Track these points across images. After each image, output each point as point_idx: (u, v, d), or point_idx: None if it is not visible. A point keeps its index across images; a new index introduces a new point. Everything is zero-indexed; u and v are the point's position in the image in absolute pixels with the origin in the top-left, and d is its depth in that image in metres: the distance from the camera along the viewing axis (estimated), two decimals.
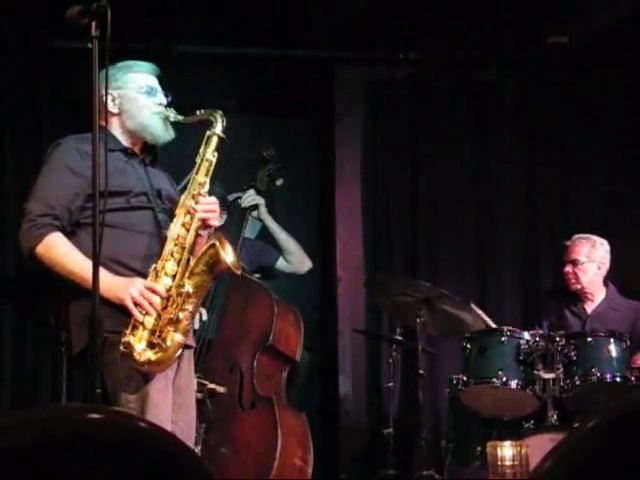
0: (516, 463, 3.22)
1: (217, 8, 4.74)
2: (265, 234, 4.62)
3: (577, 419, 4.02)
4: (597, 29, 5.08)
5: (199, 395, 3.90)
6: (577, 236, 4.64)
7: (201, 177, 2.92)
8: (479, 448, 4.08)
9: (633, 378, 4.01)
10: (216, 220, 2.97)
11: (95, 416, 1.06)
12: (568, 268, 4.59)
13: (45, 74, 5.12)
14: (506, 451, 3.25)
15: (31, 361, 5.01)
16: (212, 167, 2.95)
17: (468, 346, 4.25)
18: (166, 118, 2.99)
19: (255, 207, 4.34)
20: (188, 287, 2.80)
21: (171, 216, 2.92)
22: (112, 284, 2.75)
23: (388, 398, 4.66)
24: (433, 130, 5.57)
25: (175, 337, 2.76)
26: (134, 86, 3.00)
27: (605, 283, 4.65)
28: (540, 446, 3.28)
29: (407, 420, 4.93)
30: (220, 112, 2.99)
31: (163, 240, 2.87)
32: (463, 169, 5.58)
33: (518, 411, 4.22)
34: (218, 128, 2.96)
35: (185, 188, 2.97)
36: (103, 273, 2.72)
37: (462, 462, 4.42)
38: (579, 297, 4.63)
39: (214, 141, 2.96)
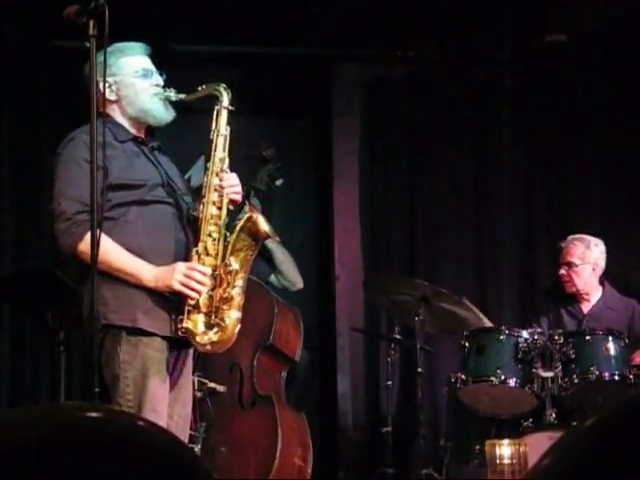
0: (515, 461, 3.22)
1: (214, 7, 4.74)
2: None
3: (576, 417, 4.03)
4: (596, 27, 5.08)
5: (199, 394, 3.90)
6: (571, 237, 4.62)
7: (220, 153, 2.92)
8: (478, 446, 4.08)
9: (632, 376, 4.02)
10: (240, 195, 2.96)
11: (94, 415, 1.06)
12: (563, 270, 4.58)
13: (43, 73, 5.12)
14: (505, 449, 3.25)
15: (29, 360, 5.01)
16: (228, 141, 2.94)
17: (466, 344, 4.26)
18: (166, 98, 2.96)
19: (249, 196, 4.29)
20: (234, 264, 2.83)
21: (177, 205, 2.91)
22: (156, 274, 2.77)
23: (387, 397, 4.66)
24: (431, 128, 5.56)
25: (232, 314, 2.82)
26: (129, 71, 2.97)
27: (601, 282, 4.64)
28: (539, 444, 3.29)
29: (406, 419, 4.93)
30: (223, 84, 2.97)
31: (184, 230, 2.89)
32: (462, 167, 5.58)
33: (517, 409, 4.22)
34: (225, 101, 2.93)
35: (189, 180, 2.98)
36: (144, 265, 2.77)
37: (461, 461, 4.42)
38: (575, 297, 4.63)
39: (224, 115, 2.94)
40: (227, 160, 2.94)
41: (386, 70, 5.57)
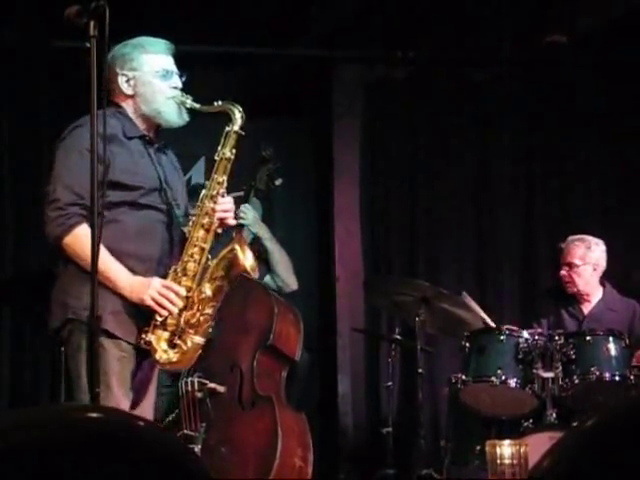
0: (515, 462, 3.22)
1: (214, 7, 4.74)
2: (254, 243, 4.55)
3: (576, 418, 4.03)
4: (596, 28, 5.08)
5: (199, 394, 3.90)
6: (571, 238, 4.62)
7: (220, 176, 2.93)
8: (478, 447, 4.08)
9: (632, 377, 4.01)
10: (232, 220, 2.98)
11: (94, 415, 1.06)
12: (564, 271, 4.58)
13: (43, 73, 5.12)
14: (505, 450, 3.24)
15: (30, 361, 5.01)
16: (230, 165, 2.94)
17: (467, 345, 4.25)
18: (182, 103, 2.96)
19: (242, 226, 4.26)
20: (208, 291, 2.85)
21: (169, 213, 2.93)
22: (132, 284, 2.79)
23: (387, 397, 4.66)
24: (431, 129, 5.57)
25: (195, 339, 2.84)
26: (150, 69, 2.96)
27: (602, 283, 4.64)
28: (539, 445, 3.28)
29: (406, 419, 4.93)
30: (239, 107, 2.96)
31: (170, 241, 2.91)
32: (462, 168, 5.58)
33: (517, 410, 4.22)
34: (237, 124, 2.94)
35: (189, 182, 2.98)
36: (122, 272, 2.77)
37: (461, 461, 4.42)
38: (576, 298, 4.63)
39: (233, 138, 2.95)
40: (225, 184, 2.95)
41: (386, 71, 5.58)
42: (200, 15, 4.80)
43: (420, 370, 4.36)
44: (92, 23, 2.50)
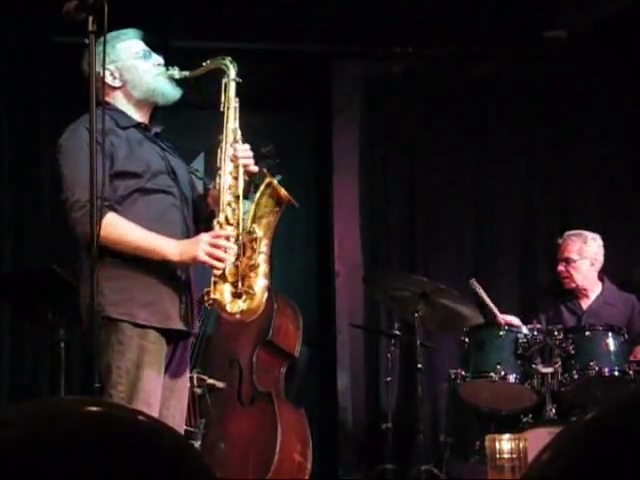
0: (514, 456, 3.23)
1: (213, 2, 4.74)
2: None
3: (575, 413, 4.04)
4: (595, 23, 5.08)
5: (199, 390, 3.90)
6: (568, 233, 4.62)
7: (232, 124, 2.93)
8: (478, 442, 4.08)
9: (631, 372, 4.02)
10: (254, 166, 2.96)
11: (94, 409, 1.06)
12: (561, 267, 4.58)
13: (43, 69, 5.11)
14: (505, 445, 3.25)
15: (30, 357, 5.01)
16: (238, 112, 2.94)
17: (466, 340, 4.26)
18: (170, 77, 2.96)
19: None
20: (258, 231, 2.83)
21: (181, 194, 2.92)
22: (181, 248, 2.76)
23: (387, 393, 4.66)
24: (431, 124, 5.56)
25: (259, 282, 2.80)
26: (129, 54, 2.96)
27: (601, 278, 4.64)
28: (538, 440, 3.28)
29: (406, 415, 4.93)
30: (228, 57, 2.97)
31: (185, 222, 2.89)
32: (461, 163, 5.58)
33: (516, 405, 4.22)
34: (232, 73, 2.94)
35: (193, 173, 2.98)
36: (166, 240, 2.76)
37: (461, 456, 4.42)
38: (575, 293, 4.63)
39: (232, 87, 2.95)
40: (239, 131, 2.94)
41: (386, 66, 5.57)
42: (199, 11, 4.80)
43: (419, 365, 4.36)
44: (91, 18, 2.50)
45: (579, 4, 4.99)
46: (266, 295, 2.80)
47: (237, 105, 2.94)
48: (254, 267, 2.79)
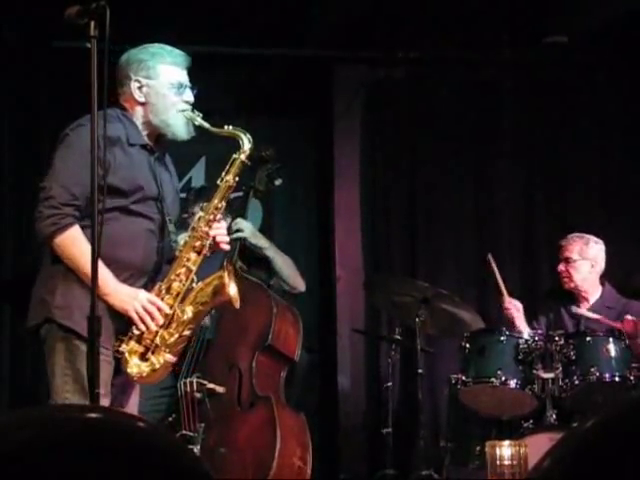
0: (515, 462, 3.22)
1: (215, 7, 4.74)
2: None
3: (576, 419, 4.03)
4: (596, 28, 5.08)
5: (198, 395, 3.90)
6: (571, 235, 4.64)
7: (219, 202, 2.94)
8: (478, 448, 4.08)
9: (632, 377, 4.01)
10: (226, 245, 3.00)
11: (93, 415, 1.06)
12: (561, 266, 4.59)
13: (43, 73, 5.12)
14: (505, 450, 3.25)
15: (29, 361, 5.00)
16: (230, 192, 2.97)
17: (467, 346, 4.25)
18: (191, 119, 2.95)
19: (242, 239, 4.23)
20: (190, 313, 2.87)
21: (162, 225, 2.94)
22: (118, 292, 2.78)
23: (387, 398, 4.65)
24: (432, 129, 5.56)
25: (167, 357, 2.86)
26: (165, 80, 2.95)
27: (602, 282, 4.64)
28: (539, 446, 3.29)
29: (406, 420, 4.92)
30: (248, 135, 2.98)
31: (158, 252, 2.91)
32: (462, 168, 5.58)
33: (517, 411, 4.22)
34: (245, 153, 2.96)
35: (189, 183, 2.99)
36: (110, 278, 2.77)
37: (461, 462, 4.42)
38: (575, 297, 4.63)
39: (238, 166, 2.96)
40: (222, 210, 2.97)
41: (387, 71, 5.58)
42: (201, 15, 4.80)
43: (420, 370, 4.35)
44: (93, 23, 2.50)
45: (580, 9, 4.99)
46: (168, 370, 2.92)
47: (234, 185, 2.97)
48: (169, 344, 2.85)
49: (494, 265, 4.52)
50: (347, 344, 5.38)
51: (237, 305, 2.95)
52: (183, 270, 2.88)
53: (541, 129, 5.59)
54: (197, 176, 5.38)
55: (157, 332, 2.83)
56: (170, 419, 3.90)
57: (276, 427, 3.84)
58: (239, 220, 4.20)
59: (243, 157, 2.96)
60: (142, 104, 2.95)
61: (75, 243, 2.72)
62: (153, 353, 2.83)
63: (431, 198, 5.54)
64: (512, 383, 4.10)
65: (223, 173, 2.96)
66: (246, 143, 2.97)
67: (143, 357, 2.83)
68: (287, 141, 5.33)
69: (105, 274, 2.75)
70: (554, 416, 4.03)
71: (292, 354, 4.13)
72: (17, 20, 4.79)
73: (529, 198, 5.59)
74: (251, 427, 3.91)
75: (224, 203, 2.96)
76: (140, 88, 2.94)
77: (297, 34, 5.16)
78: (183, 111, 2.95)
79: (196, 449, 3.77)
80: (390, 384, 4.62)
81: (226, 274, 2.89)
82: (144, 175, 2.91)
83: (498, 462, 3.25)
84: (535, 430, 3.96)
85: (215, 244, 2.94)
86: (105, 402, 2.77)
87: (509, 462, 3.24)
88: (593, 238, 4.60)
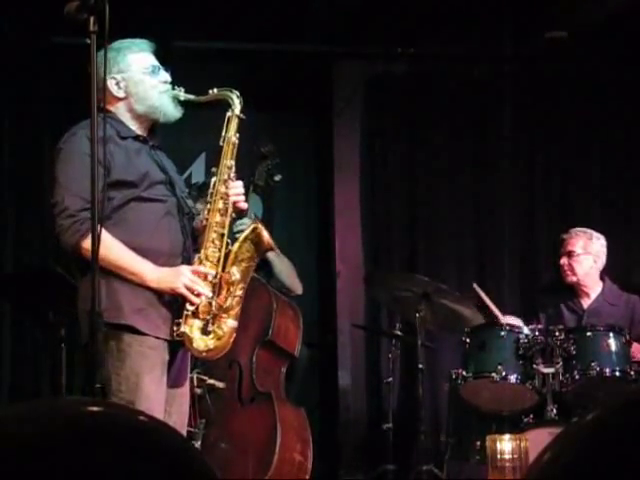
0: (515, 457, 3.23)
1: (215, 3, 4.73)
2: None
3: (576, 413, 4.03)
4: (596, 24, 5.07)
5: (199, 391, 3.90)
6: (574, 229, 4.65)
7: (228, 161, 2.93)
8: (479, 443, 4.08)
9: (632, 372, 4.02)
10: (245, 203, 2.98)
11: (95, 409, 1.06)
12: (564, 260, 4.59)
13: (44, 70, 5.11)
14: (505, 445, 3.25)
15: (30, 357, 5.01)
16: (236, 148, 2.95)
17: (467, 341, 4.26)
18: (175, 97, 2.96)
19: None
20: (236, 274, 2.85)
21: (179, 204, 2.93)
22: (161, 275, 2.78)
23: (388, 393, 4.66)
24: (432, 125, 5.56)
25: (229, 323, 2.83)
26: (138, 67, 2.95)
27: (602, 278, 4.65)
28: (539, 440, 3.29)
29: (406, 415, 4.93)
30: (236, 91, 2.98)
31: (183, 232, 2.90)
32: (462, 164, 5.58)
33: (517, 405, 4.22)
34: (237, 109, 2.95)
35: (189, 178, 2.98)
36: (147, 265, 2.77)
37: (462, 457, 4.42)
38: (575, 292, 4.63)
39: (235, 122, 2.95)
40: (234, 167, 2.95)
41: (387, 67, 5.57)
42: (201, 11, 4.79)
43: (420, 366, 4.36)
44: (92, 19, 2.50)
45: (581, 4, 4.98)
46: (233, 336, 2.85)
47: (236, 141, 2.95)
48: (227, 309, 2.84)
49: (481, 293, 4.50)
50: (347, 339, 5.39)
51: (277, 250, 2.93)
52: (215, 235, 2.87)
53: (541, 125, 5.59)
54: (197, 172, 5.38)
55: (211, 302, 2.81)
56: None
57: (276, 422, 3.85)
58: (245, 220, 4.21)
59: (237, 112, 2.95)
60: (124, 99, 2.96)
61: (103, 244, 2.71)
62: (213, 324, 2.81)
63: (431, 193, 5.54)
64: (512, 378, 4.10)
65: (223, 132, 2.95)
66: (235, 99, 2.96)
67: (205, 331, 2.80)
68: (287, 137, 5.32)
69: (143, 263, 2.77)
70: (554, 411, 4.03)
71: (292, 349, 4.14)
72: (17, 16, 4.78)
73: (529, 193, 5.58)
74: (252, 422, 3.91)
75: (233, 161, 2.94)
76: (117, 84, 2.94)
77: (297, 30, 5.15)
78: (166, 91, 2.96)
79: (197, 444, 3.77)
80: (390, 379, 4.63)
81: (258, 224, 2.91)
82: (145, 162, 2.92)
83: (499, 456, 3.26)
84: (535, 425, 3.96)
85: (233, 204, 2.92)
86: (159, 398, 2.77)
87: (509, 457, 3.25)
88: (595, 234, 4.61)
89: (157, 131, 3.10)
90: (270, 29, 5.05)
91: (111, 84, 2.93)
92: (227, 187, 2.91)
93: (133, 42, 3.00)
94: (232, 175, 2.93)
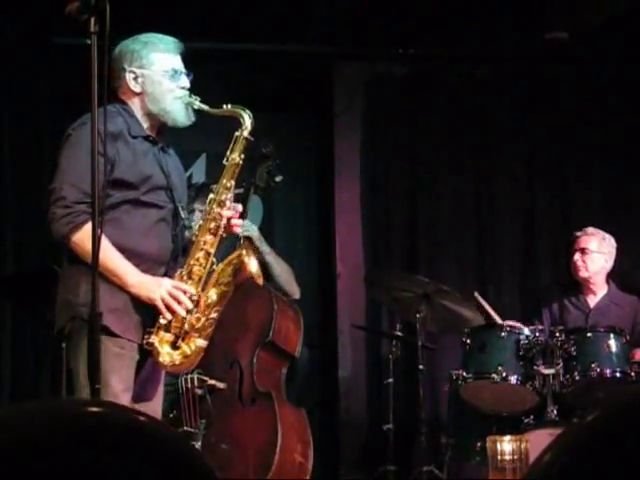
0: (516, 458, 3.22)
1: (215, 3, 4.73)
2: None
3: (577, 414, 4.03)
4: (596, 24, 5.07)
5: (199, 391, 3.90)
6: (588, 228, 4.67)
7: (228, 181, 2.93)
8: (479, 444, 4.08)
9: (633, 373, 4.02)
10: (238, 228, 2.98)
11: (95, 410, 1.06)
12: (577, 256, 4.60)
13: (44, 70, 5.11)
14: (506, 446, 3.25)
15: (31, 358, 5.01)
16: (238, 169, 2.95)
17: (468, 341, 4.26)
18: (190, 104, 2.95)
19: (248, 238, 4.24)
20: (214, 296, 2.87)
21: (175, 213, 2.93)
22: (142, 282, 2.79)
23: (388, 394, 4.66)
24: (432, 126, 5.56)
25: (198, 342, 2.85)
26: (159, 68, 2.94)
27: (607, 280, 4.66)
28: (540, 441, 3.29)
29: (407, 416, 4.93)
30: (248, 111, 2.96)
31: (174, 241, 2.91)
32: (462, 165, 5.58)
33: (518, 406, 4.22)
34: (246, 130, 2.94)
35: (190, 179, 2.98)
36: (131, 269, 2.77)
37: (462, 457, 4.42)
38: (581, 289, 4.64)
39: (242, 143, 2.95)
40: (232, 189, 2.95)
41: (387, 68, 5.57)
42: (201, 11, 4.79)
43: (421, 367, 4.36)
44: (93, 19, 2.50)
45: (581, 5, 4.98)
46: (200, 356, 2.88)
47: (240, 163, 2.94)
48: (198, 329, 2.85)
49: (482, 300, 4.51)
50: (348, 340, 5.39)
51: (260, 281, 2.95)
52: (202, 254, 2.87)
53: (541, 126, 5.59)
54: (198, 172, 5.38)
55: (184, 318, 2.82)
56: (171, 416, 3.90)
57: (277, 423, 3.84)
58: (246, 222, 4.21)
59: (246, 133, 2.94)
60: (139, 94, 2.95)
61: (92, 241, 2.71)
62: (183, 340, 2.82)
63: (431, 194, 5.54)
64: (513, 379, 4.10)
65: (228, 152, 2.95)
66: (247, 119, 2.94)
67: (174, 345, 2.82)
68: (287, 138, 5.32)
69: (127, 266, 2.77)
70: (555, 412, 4.03)
71: (293, 350, 4.13)
72: (17, 16, 4.78)
73: (529, 194, 5.58)
74: (252, 423, 3.91)
75: (233, 182, 2.94)
76: (135, 79, 2.93)
77: (297, 30, 5.15)
78: (181, 97, 2.94)
79: (197, 445, 3.77)
80: (391, 380, 4.62)
81: (244, 251, 2.89)
82: (150, 165, 2.91)
83: (499, 457, 3.26)
84: (536, 426, 3.96)
85: (228, 226, 2.92)
86: (126, 397, 2.78)
87: (510, 457, 3.24)
88: (608, 235, 4.66)
89: (165, 132, 3.10)
90: (270, 29, 5.05)
91: (129, 77, 2.93)
92: (222, 207, 2.90)
93: (162, 39, 2.99)
94: (230, 196, 2.93)
